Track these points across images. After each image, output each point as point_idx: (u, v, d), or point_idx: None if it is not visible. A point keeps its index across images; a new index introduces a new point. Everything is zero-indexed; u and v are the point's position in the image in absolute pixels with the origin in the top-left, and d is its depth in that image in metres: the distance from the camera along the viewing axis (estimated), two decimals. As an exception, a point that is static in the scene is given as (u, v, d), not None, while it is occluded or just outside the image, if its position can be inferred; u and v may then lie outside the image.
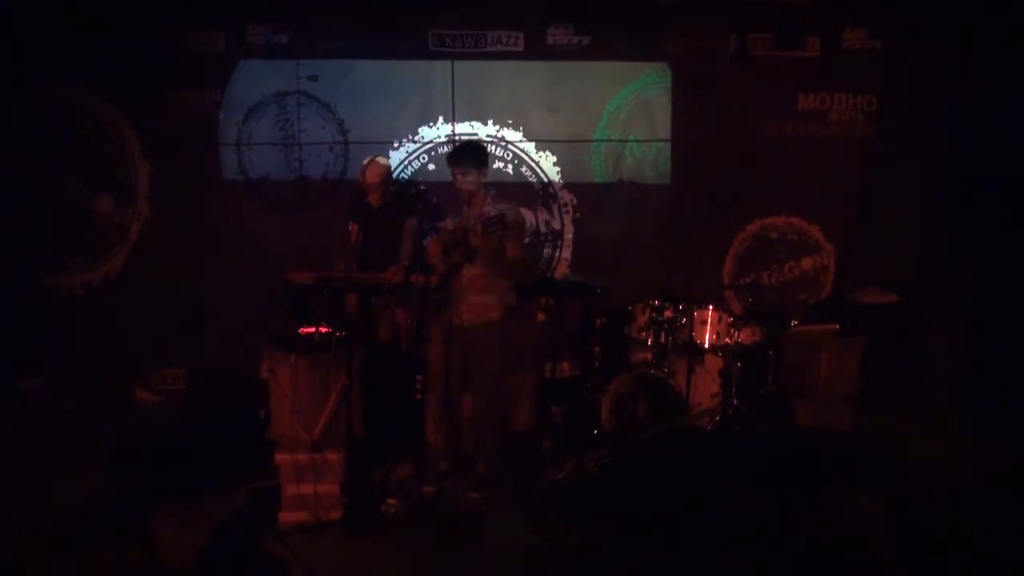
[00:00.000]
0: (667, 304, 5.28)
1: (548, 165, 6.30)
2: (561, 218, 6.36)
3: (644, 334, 5.33)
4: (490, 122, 6.26)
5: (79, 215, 6.11)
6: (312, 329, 4.38)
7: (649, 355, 5.32)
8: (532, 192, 6.32)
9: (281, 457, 4.17)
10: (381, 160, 5.31)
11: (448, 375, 4.66)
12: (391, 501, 4.31)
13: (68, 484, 4.37)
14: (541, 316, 5.65)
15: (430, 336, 4.76)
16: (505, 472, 4.65)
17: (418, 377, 4.61)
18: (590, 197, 6.34)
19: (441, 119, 6.23)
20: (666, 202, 6.31)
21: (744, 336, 5.26)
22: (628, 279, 5.77)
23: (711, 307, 5.32)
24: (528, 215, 6.11)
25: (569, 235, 6.36)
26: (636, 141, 6.29)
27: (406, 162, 6.24)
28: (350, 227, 5.18)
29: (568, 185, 6.33)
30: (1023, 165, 5.73)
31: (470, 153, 4.54)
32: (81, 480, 4.35)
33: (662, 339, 5.28)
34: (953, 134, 6.02)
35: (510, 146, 6.28)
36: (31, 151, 6.01)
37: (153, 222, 6.14)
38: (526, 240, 5.43)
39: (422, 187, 5.77)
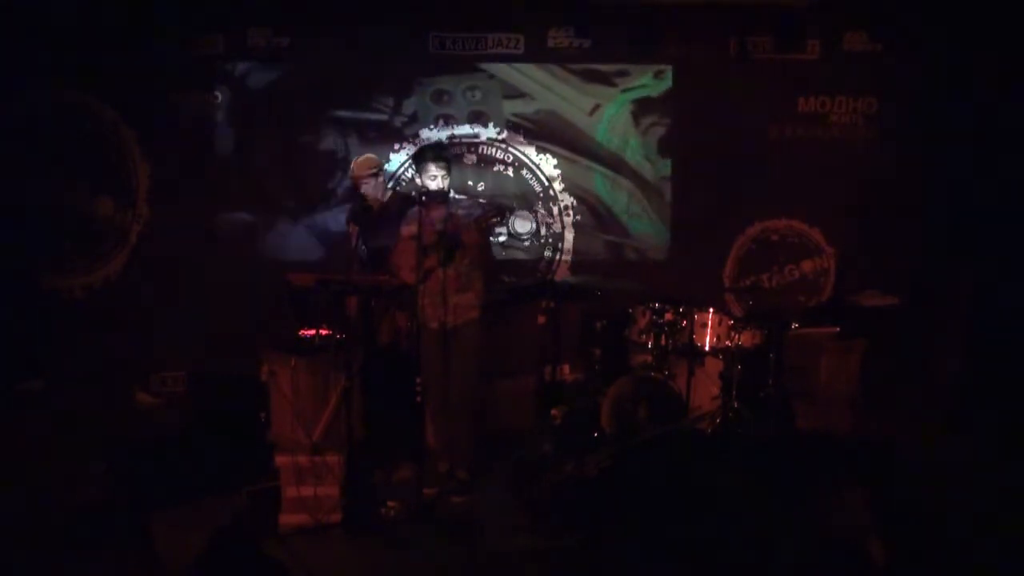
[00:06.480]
0: (667, 307, 5.28)
1: (548, 168, 6.30)
2: (561, 221, 6.36)
3: (644, 337, 5.33)
4: (491, 124, 6.26)
5: (79, 217, 6.10)
6: (312, 331, 4.38)
7: (649, 358, 5.32)
8: (533, 195, 6.32)
9: (281, 459, 4.18)
10: (368, 155, 5.33)
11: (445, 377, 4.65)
12: (391, 504, 4.31)
13: (68, 484, 4.36)
14: (541, 319, 5.65)
15: (423, 339, 4.74)
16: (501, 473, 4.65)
17: (418, 379, 4.60)
18: (590, 200, 6.34)
19: (442, 121, 6.24)
20: (666, 204, 6.31)
21: (744, 339, 5.26)
22: (628, 282, 5.77)
23: (711, 310, 5.32)
24: (528, 218, 6.14)
25: (570, 238, 6.37)
26: (636, 144, 6.29)
27: (407, 164, 6.24)
28: (350, 230, 5.18)
29: (568, 188, 6.34)
30: (1023, 167, 5.73)
31: (444, 152, 4.73)
32: (81, 481, 4.35)
33: (662, 342, 5.28)
34: (953, 136, 6.02)
35: (511, 149, 6.28)
36: (31, 153, 6.00)
37: (153, 224, 6.15)
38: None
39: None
